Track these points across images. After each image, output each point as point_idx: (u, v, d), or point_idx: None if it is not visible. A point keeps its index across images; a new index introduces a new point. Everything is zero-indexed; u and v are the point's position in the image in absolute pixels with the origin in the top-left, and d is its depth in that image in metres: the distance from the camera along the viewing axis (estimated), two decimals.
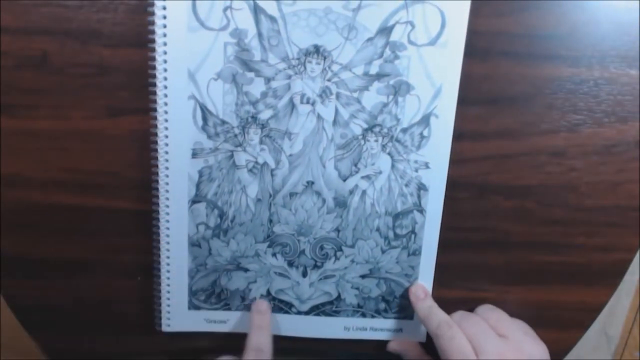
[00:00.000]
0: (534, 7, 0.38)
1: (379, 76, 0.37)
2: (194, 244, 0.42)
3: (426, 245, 0.42)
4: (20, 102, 0.39)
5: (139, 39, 0.38)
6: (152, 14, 0.36)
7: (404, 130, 0.39)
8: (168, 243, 0.41)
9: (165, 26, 0.36)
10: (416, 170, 0.40)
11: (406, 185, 0.40)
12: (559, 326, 0.45)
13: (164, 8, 0.36)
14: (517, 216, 0.42)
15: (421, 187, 0.40)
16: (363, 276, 0.43)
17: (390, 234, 0.41)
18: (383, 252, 0.42)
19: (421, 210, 0.41)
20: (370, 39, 0.37)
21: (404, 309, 0.44)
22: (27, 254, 0.43)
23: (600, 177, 0.41)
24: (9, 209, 0.42)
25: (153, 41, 0.37)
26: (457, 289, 0.44)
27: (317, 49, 0.37)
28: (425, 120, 0.38)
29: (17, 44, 0.38)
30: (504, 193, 0.42)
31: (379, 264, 0.42)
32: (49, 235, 0.42)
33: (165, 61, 0.37)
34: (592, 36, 0.38)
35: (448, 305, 0.42)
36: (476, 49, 0.38)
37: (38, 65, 0.38)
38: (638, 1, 0.38)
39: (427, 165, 0.39)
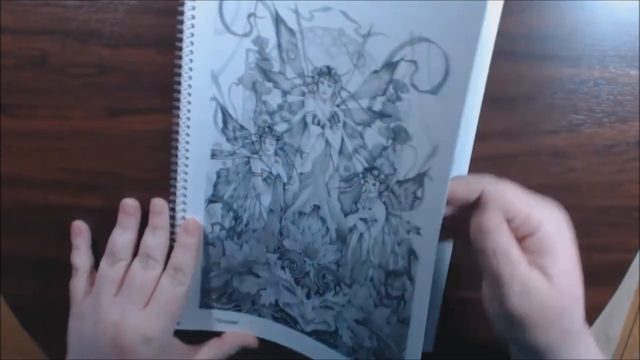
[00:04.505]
0: (534, 7, 0.38)
1: (381, 115, 0.36)
2: (208, 242, 0.42)
3: (415, 317, 0.38)
4: (20, 102, 0.39)
5: (139, 39, 0.38)
6: (182, 14, 0.36)
7: (399, 183, 0.36)
8: None
9: (193, 26, 0.36)
10: (408, 233, 0.37)
11: (398, 244, 0.37)
12: None
13: (193, 8, 0.36)
14: None
15: (411, 253, 0.37)
16: (357, 322, 0.41)
17: (382, 290, 0.39)
18: (375, 305, 0.40)
19: (411, 279, 0.37)
20: (376, 72, 0.35)
21: None
22: (27, 254, 0.43)
23: (600, 177, 0.41)
24: (9, 209, 0.42)
25: (180, 40, 0.36)
26: (458, 289, 0.44)
27: (329, 71, 0.36)
28: (419, 180, 0.35)
29: (17, 44, 0.38)
30: None
31: (371, 316, 0.40)
32: (49, 235, 0.42)
33: (191, 60, 0.37)
34: (592, 36, 0.38)
35: (454, 305, 0.42)
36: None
37: (38, 65, 0.38)
38: (638, 1, 0.38)
39: (418, 231, 0.36)
